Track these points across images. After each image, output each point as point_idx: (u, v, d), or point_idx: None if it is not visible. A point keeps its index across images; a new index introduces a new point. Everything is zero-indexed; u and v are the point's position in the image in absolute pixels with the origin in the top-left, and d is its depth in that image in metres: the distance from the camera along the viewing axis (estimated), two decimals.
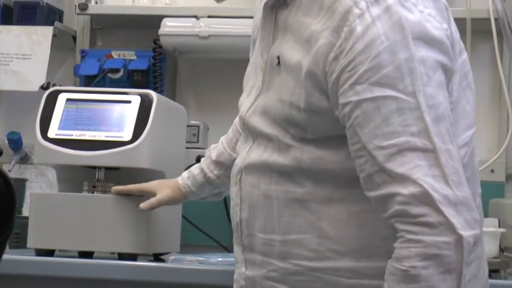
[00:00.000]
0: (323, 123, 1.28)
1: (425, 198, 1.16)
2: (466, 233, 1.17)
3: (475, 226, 1.19)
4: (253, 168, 1.37)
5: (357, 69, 1.20)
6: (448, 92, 1.27)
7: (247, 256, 1.40)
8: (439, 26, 1.26)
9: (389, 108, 1.19)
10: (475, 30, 2.47)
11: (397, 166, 1.18)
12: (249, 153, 1.39)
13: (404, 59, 1.20)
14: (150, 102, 2.01)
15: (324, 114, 1.27)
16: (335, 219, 1.30)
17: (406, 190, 1.17)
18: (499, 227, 2.16)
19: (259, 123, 1.36)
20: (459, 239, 1.16)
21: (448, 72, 1.27)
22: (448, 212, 1.16)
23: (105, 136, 2.00)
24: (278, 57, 1.34)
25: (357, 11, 1.22)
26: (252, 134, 1.39)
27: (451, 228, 1.16)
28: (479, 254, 1.30)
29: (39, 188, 2.57)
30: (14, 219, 0.86)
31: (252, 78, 1.45)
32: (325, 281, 1.31)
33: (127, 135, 1.98)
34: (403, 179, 1.17)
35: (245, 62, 1.58)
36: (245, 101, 1.43)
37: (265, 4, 1.40)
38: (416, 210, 1.16)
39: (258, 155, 1.36)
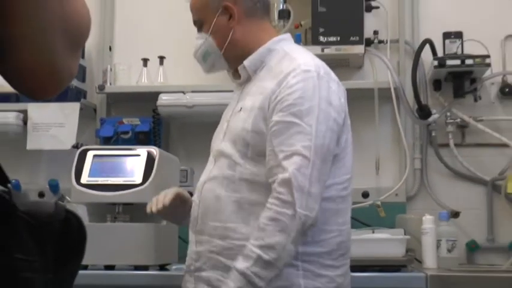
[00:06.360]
0: (260, 140, 1.48)
1: (288, 182, 1.39)
2: (301, 211, 1.38)
3: (311, 212, 1.39)
4: (213, 179, 1.56)
5: (283, 103, 1.45)
6: (340, 142, 1.50)
7: (198, 238, 1.56)
8: (339, 98, 1.52)
9: (294, 130, 1.42)
10: (381, 96, 2.60)
11: (286, 163, 1.41)
12: (212, 171, 1.57)
13: (312, 105, 1.44)
14: (154, 155, 2.05)
15: (262, 134, 1.48)
16: (258, 215, 1.46)
17: (282, 175, 1.40)
18: (405, 234, 2.19)
19: (225, 146, 1.56)
20: (295, 213, 1.37)
21: (338, 126, 1.50)
22: (297, 196, 1.38)
23: (123, 181, 2.02)
24: (241, 108, 1.56)
25: (293, 73, 1.48)
26: (216, 157, 1.59)
27: (293, 206, 1.38)
28: (347, 270, 1.55)
29: None
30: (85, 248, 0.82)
31: (217, 137, 1.65)
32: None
33: (138, 179, 2.01)
34: (285, 169, 1.41)
35: (219, 123, 1.68)
36: (216, 142, 1.63)
37: (238, 84, 1.64)
38: (279, 189, 1.40)
39: (218, 171, 1.55)
